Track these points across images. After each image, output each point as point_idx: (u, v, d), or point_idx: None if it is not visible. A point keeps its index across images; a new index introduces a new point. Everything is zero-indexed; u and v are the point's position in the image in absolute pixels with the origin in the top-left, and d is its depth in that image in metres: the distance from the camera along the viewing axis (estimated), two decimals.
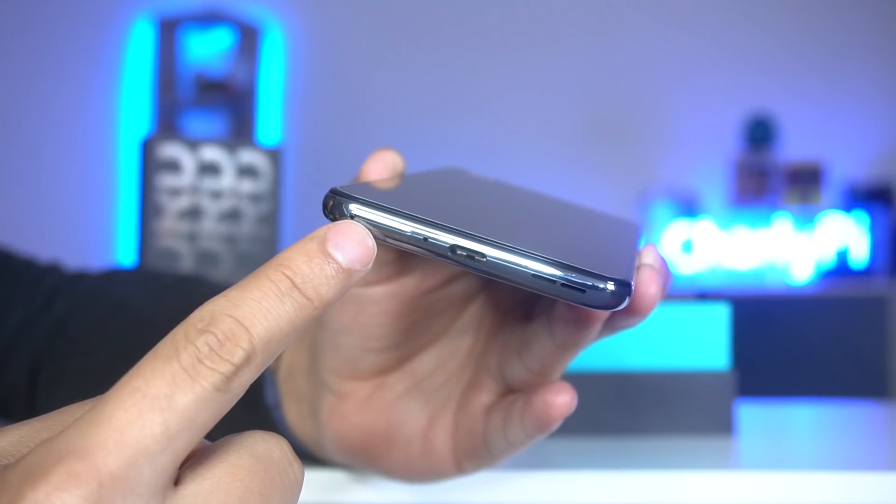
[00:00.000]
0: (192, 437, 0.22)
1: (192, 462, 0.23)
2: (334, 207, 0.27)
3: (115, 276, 0.54)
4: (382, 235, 0.27)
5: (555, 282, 0.27)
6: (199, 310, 0.23)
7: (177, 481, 0.23)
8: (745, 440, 0.50)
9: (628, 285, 0.27)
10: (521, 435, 0.34)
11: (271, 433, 0.24)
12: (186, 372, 0.22)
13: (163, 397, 0.21)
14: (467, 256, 0.27)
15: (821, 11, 2.94)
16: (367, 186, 0.29)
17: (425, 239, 0.27)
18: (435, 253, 0.27)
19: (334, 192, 0.27)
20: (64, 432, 0.21)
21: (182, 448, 0.22)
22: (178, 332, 0.23)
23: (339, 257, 0.24)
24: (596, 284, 0.27)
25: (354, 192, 0.28)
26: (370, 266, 0.25)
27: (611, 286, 0.27)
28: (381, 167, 0.33)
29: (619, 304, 0.27)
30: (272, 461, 0.24)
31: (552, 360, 0.34)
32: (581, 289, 0.27)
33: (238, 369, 0.22)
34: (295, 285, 0.24)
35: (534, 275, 0.27)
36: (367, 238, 0.25)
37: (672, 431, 0.51)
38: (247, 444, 0.24)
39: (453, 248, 0.27)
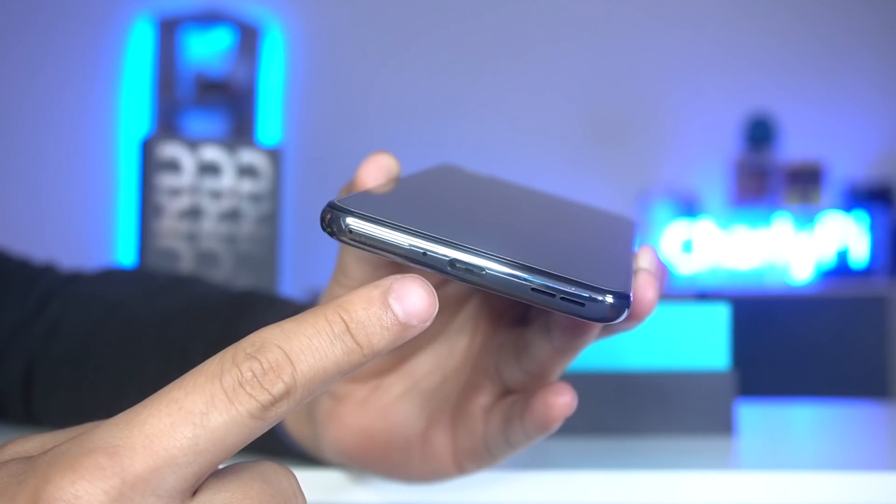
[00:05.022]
0: (219, 456, 0.23)
1: (209, 476, 0.24)
2: (331, 221, 0.27)
3: (109, 277, 0.54)
4: (380, 249, 0.27)
5: (554, 295, 0.27)
6: (253, 335, 0.24)
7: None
8: (745, 440, 0.50)
9: (627, 297, 0.27)
10: (521, 436, 0.34)
11: (283, 465, 0.25)
12: (226, 393, 0.22)
13: (197, 413, 0.22)
14: (466, 270, 0.27)
15: (821, 11, 2.94)
16: (364, 198, 0.29)
17: (424, 253, 0.27)
18: (434, 267, 0.27)
19: (331, 206, 0.27)
20: (98, 428, 0.22)
21: (207, 464, 0.23)
22: (228, 353, 0.23)
23: (398, 309, 0.24)
24: (594, 297, 0.27)
25: (351, 205, 0.27)
26: (428, 325, 0.24)
27: (609, 299, 0.27)
28: (377, 170, 0.33)
29: (618, 316, 0.27)
30: (280, 489, 0.24)
31: (550, 364, 0.34)
32: (580, 302, 0.27)
33: (276, 401, 0.23)
34: (348, 329, 0.24)
35: (533, 289, 0.27)
36: (431, 295, 0.24)
37: (672, 431, 0.51)
38: (259, 470, 0.25)
39: (452, 262, 0.27)
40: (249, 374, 0.23)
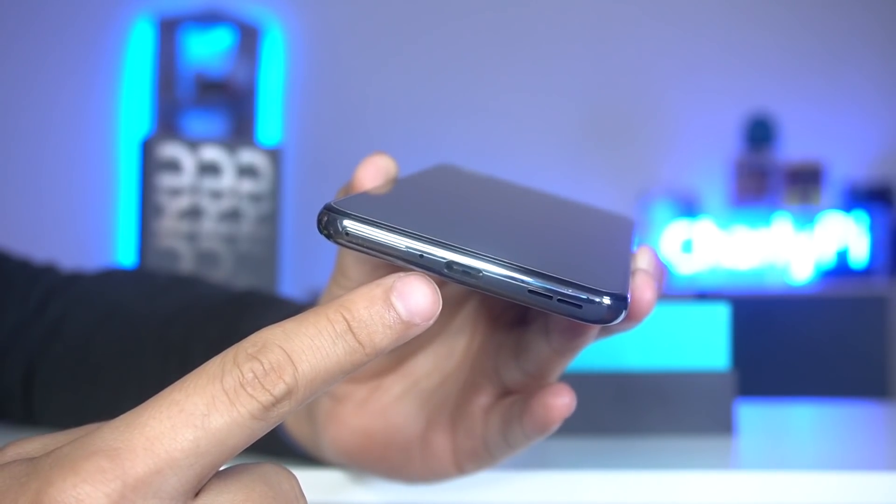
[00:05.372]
0: (220, 457, 0.23)
1: (211, 478, 0.24)
2: (328, 223, 0.27)
3: (110, 278, 0.54)
4: (377, 251, 0.27)
5: (551, 297, 0.27)
6: (254, 335, 0.23)
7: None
8: (745, 440, 0.50)
9: (624, 299, 0.27)
10: (520, 436, 0.34)
11: (284, 467, 0.25)
12: (227, 394, 0.22)
13: (198, 415, 0.22)
14: (463, 272, 0.27)
15: (821, 11, 2.94)
16: (361, 200, 0.29)
17: (420, 255, 0.27)
18: (431, 269, 0.27)
19: (328, 209, 0.27)
20: (99, 430, 0.22)
21: (209, 465, 0.23)
22: (229, 354, 0.23)
23: (400, 308, 0.24)
24: (592, 299, 0.27)
25: (348, 207, 0.27)
26: (432, 322, 0.24)
27: (607, 300, 0.27)
28: (374, 172, 0.33)
29: (615, 318, 0.27)
30: (281, 491, 0.25)
31: (549, 364, 0.34)
32: (577, 304, 0.27)
33: (277, 401, 0.23)
34: (350, 328, 0.24)
35: (530, 291, 0.27)
36: (434, 293, 0.24)
37: (672, 431, 0.51)
38: (261, 472, 0.25)
39: (449, 264, 0.27)
40: (250, 374, 0.23)
